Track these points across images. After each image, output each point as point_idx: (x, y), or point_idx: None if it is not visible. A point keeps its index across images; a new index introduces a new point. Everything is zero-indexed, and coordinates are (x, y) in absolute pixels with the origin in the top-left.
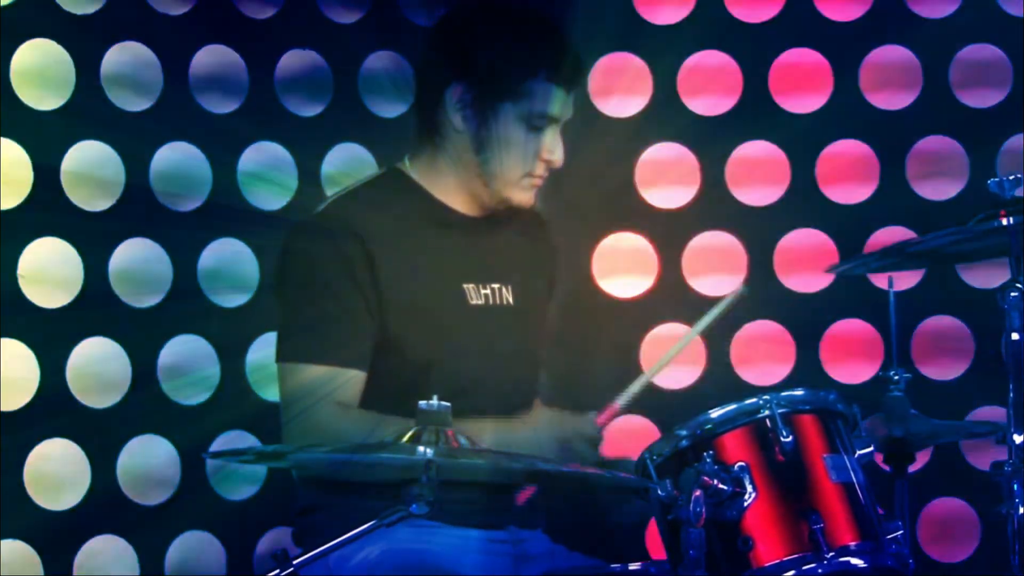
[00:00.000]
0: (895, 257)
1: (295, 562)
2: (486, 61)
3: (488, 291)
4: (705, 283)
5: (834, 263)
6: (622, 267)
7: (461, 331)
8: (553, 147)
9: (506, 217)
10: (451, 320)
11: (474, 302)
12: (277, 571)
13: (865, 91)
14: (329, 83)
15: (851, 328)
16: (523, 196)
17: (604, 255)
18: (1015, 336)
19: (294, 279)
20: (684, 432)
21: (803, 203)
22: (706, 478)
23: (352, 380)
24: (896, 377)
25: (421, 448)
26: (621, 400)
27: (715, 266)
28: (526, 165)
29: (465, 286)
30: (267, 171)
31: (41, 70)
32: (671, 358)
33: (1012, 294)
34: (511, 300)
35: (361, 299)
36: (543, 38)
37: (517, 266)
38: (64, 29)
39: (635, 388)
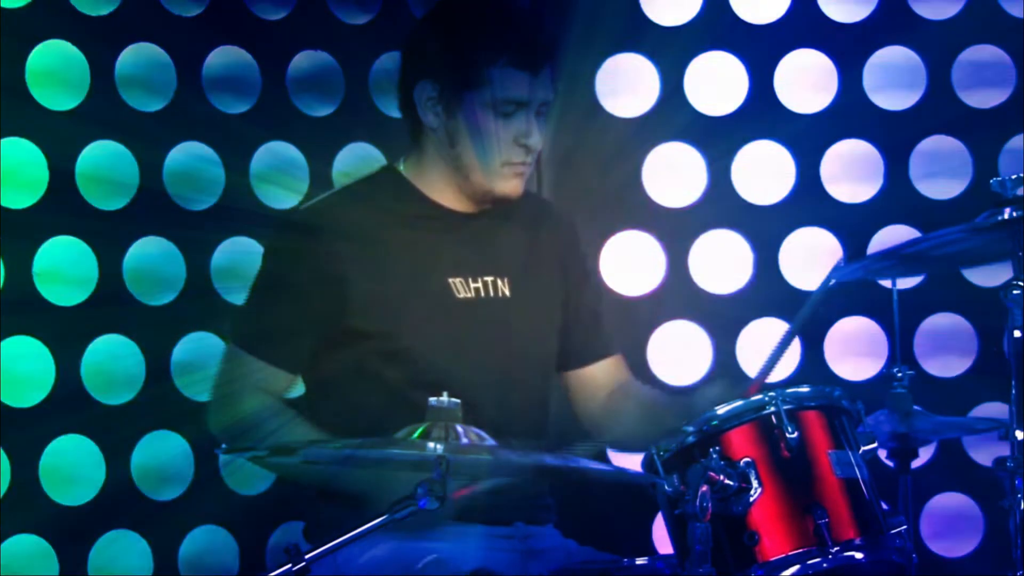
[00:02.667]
0: (897, 258)
1: (307, 557)
2: (444, 54)
3: (479, 284)
4: (712, 281)
5: (837, 266)
6: (629, 265)
7: (445, 325)
8: (527, 131)
9: (499, 210)
10: (433, 315)
11: (461, 296)
12: (289, 566)
13: (869, 91)
14: (340, 84)
15: (855, 326)
16: (506, 185)
17: (612, 253)
18: (1017, 333)
19: (263, 269)
20: (691, 428)
21: (808, 202)
22: (712, 473)
23: (280, 378)
24: (900, 374)
25: (432, 444)
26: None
27: (722, 264)
28: (502, 153)
29: (451, 280)
30: (279, 171)
31: (56, 71)
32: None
33: (1015, 292)
34: (508, 292)
35: (320, 300)
36: (498, 24)
37: (517, 258)
38: (78, 30)
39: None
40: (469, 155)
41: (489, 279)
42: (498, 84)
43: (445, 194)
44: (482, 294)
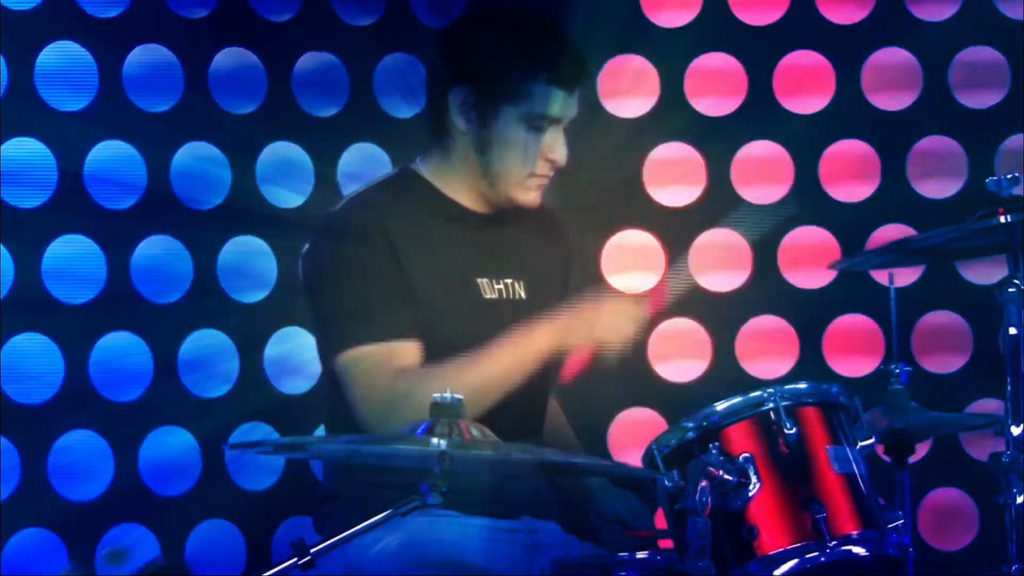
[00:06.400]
0: (896, 254)
1: (312, 551)
2: (487, 64)
3: (501, 286)
4: (711, 279)
5: (837, 260)
6: (630, 264)
7: (476, 325)
8: (556, 147)
9: (514, 215)
10: (466, 314)
11: (488, 296)
12: (294, 559)
13: (867, 92)
14: (345, 84)
15: (853, 323)
16: (527, 196)
17: (612, 252)
18: (1013, 331)
19: (327, 276)
20: (691, 424)
21: (806, 201)
22: (712, 469)
23: (410, 349)
24: (897, 370)
25: (435, 440)
26: None
27: (721, 263)
28: (529, 165)
29: (479, 280)
30: (285, 170)
31: (64, 72)
32: None
33: (1010, 290)
34: (523, 295)
35: (395, 280)
36: (543, 40)
37: (530, 262)
38: (87, 32)
39: None
40: (498, 164)
41: (509, 281)
42: (537, 100)
43: (465, 195)
44: (503, 295)
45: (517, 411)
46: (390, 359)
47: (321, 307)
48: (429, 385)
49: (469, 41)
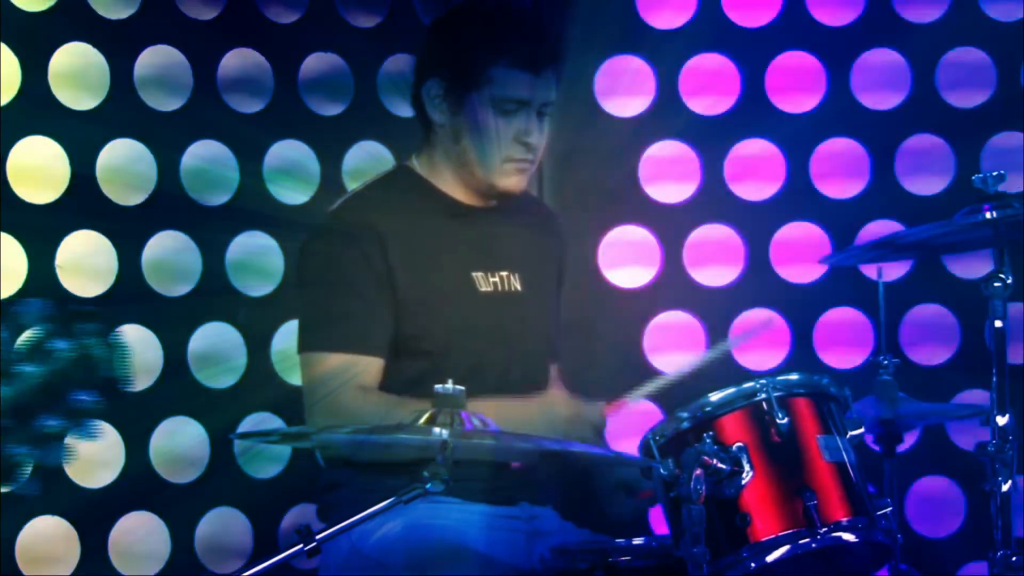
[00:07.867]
0: (885, 249)
1: (318, 537)
2: (450, 54)
3: (497, 279)
4: (705, 274)
5: (827, 255)
6: (627, 259)
7: (472, 318)
8: (529, 129)
9: (504, 204)
10: (463, 307)
11: (484, 289)
12: (300, 545)
13: (857, 92)
14: (349, 84)
15: (843, 316)
16: (508, 181)
17: (610, 247)
18: (998, 324)
19: (314, 276)
20: (685, 414)
21: (798, 198)
22: (706, 458)
23: (371, 366)
24: (885, 362)
25: (437, 429)
26: (631, 396)
27: (715, 258)
28: (503, 150)
29: (474, 274)
30: (291, 168)
31: (78, 72)
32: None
33: (995, 284)
34: (519, 287)
35: (378, 291)
36: (501, 25)
37: (525, 255)
38: (99, 33)
39: (648, 388)
40: (473, 151)
41: (504, 273)
42: (500, 83)
43: (455, 188)
44: (499, 288)
45: (517, 371)
46: (352, 374)
47: (302, 305)
48: (378, 411)
49: (435, 36)
